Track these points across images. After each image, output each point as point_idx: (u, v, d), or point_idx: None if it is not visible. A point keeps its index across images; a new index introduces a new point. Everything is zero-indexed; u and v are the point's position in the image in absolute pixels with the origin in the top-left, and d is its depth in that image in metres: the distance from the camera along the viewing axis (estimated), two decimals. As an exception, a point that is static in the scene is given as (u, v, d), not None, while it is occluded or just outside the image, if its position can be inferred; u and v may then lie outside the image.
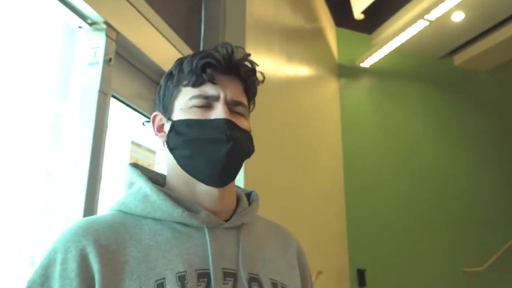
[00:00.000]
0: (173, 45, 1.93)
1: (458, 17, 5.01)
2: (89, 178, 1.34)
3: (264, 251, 0.79)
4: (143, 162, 1.83)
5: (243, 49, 0.80)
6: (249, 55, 0.80)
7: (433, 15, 4.32)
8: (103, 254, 0.65)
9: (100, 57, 1.45)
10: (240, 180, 2.24)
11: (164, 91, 0.82)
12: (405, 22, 4.65)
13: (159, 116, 0.83)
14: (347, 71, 5.27)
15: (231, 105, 0.77)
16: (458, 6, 4.51)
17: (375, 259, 4.64)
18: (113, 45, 1.51)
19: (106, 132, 1.48)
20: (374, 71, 5.41)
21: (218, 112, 0.74)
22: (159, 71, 1.86)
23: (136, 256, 0.66)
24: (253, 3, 2.79)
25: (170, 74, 0.82)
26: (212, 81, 0.75)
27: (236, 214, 0.79)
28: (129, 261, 0.65)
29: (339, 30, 5.43)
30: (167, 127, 0.79)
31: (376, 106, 5.31)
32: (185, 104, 0.76)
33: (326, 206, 4.17)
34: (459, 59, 5.87)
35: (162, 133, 0.81)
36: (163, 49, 1.85)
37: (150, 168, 1.80)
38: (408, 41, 4.81)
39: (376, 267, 4.59)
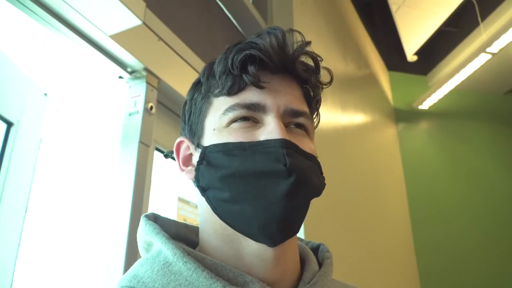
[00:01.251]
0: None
1: (522, 48, 4.66)
2: (128, 242, 1.17)
3: None
4: (193, 221, 1.65)
5: (300, 33, 0.53)
6: (310, 42, 0.54)
7: (496, 47, 4.02)
8: None
9: (140, 106, 1.34)
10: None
11: (190, 107, 0.58)
12: (464, 59, 4.37)
13: (185, 143, 0.58)
14: (404, 115, 5.01)
15: (288, 117, 0.53)
16: (521, 37, 4.19)
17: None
18: (155, 93, 1.40)
19: (149, 187, 1.34)
20: (433, 113, 5.10)
21: (270, 129, 0.50)
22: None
23: None
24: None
25: (198, 83, 0.58)
26: (258, 84, 0.51)
27: (303, 283, 0.54)
28: None
29: (392, 73, 5.25)
30: (196, 157, 0.55)
31: (439, 148, 4.96)
32: (219, 121, 0.52)
33: (395, 261, 3.77)
34: (527, 93, 5.44)
35: (190, 167, 0.57)
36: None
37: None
38: (468, 78, 4.49)
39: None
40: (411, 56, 5.04)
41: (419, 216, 4.48)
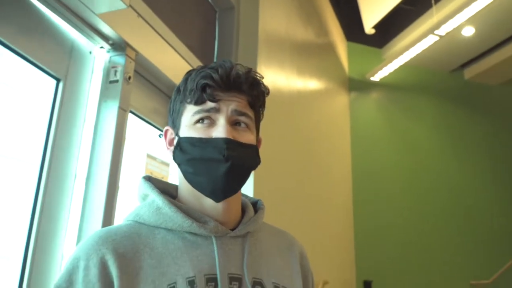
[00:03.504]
0: (188, 62, 2.03)
1: (469, 31, 5.07)
2: (108, 189, 1.43)
3: (268, 256, 0.86)
4: (158, 174, 1.92)
5: (243, 66, 0.82)
6: (251, 70, 0.82)
7: (443, 30, 4.37)
8: (121, 261, 0.71)
9: (120, 76, 1.55)
10: (249, 189, 2.32)
11: (173, 106, 0.85)
12: (415, 37, 4.72)
13: (170, 130, 0.86)
14: (357, 85, 5.35)
15: (235, 116, 0.79)
16: (468, 21, 4.58)
17: (382, 271, 4.67)
18: (132, 64, 1.61)
19: (123, 145, 1.58)
20: (384, 85, 5.48)
21: (220, 129, 0.76)
22: (173, 87, 1.96)
23: (150, 262, 0.73)
24: (266, 19, 2.89)
25: (178, 90, 0.85)
26: (212, 100, 0.77)
27: (242, 224, 0.84)
28: (143, 267, 0.72)
29: (350, 44, 5.52)
30: (175, 141, 0.83)
31: (386, 119, 5.37)
32: (189, 120, 0.79)
33: (335, 218, 4.23)
34: (469, 73, 5.92)
35: (172, 147, 0.84)
36: (178, 66, 1.95)
37: (164, 179, 1.90)
38: (418, 55, 4.87)
39: (383, 278, 4.62)
40: (369, 29, 5.33)
41: (360, 177, 4.94)
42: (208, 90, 0.77)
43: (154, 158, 1.92)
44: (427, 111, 5.64)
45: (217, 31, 2.70)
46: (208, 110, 0.78)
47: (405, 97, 5.58)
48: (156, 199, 0.79)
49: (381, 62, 5.25)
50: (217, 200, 0.78)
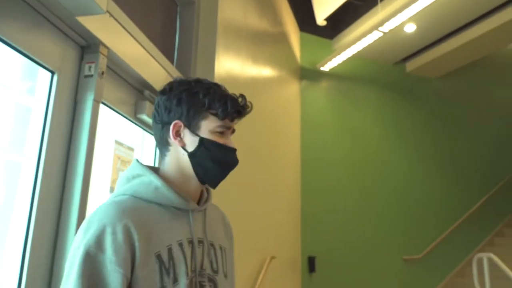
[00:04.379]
0: (151, 55, 2.22)
1: (410, 28, 5.48)
2: (85, 172, 1.62)
3: (215, 225, 1.17)
4: (124, 158, 2.12)
5: (245, 98, 1.11)
6: (251, 104, 1.12)
7: (387, 27, 4.75)
8: (138, 228, 0.91)
9: (94, 71, 1.73)
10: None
11: (189, 108, 1.02)
12: (362, 32, 5.07)
13: (180, 124, 1.03)
14: (308, 74, 5.65)
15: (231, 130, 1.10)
16: (410, 19, 4.98)
17: (325, 248, 5.10)
18: (105, 60, 1.79)
19: (96, 134, 1.77)
20: (333, 75, 5.83)
21: (229, 142, 1.06)
22: (140, 79, 2.14)
23: (155, 229, 0.96)
24: (224, 10, 3.08)
25: (196, 94, 1.03)
26: (232, 122, 1.06)
27: (203, 202, 1.12)
28: (152, 233, 0.94)
29: (303, 34, 5.79)
30: (188, 137, 1.03)
31: (334, 108, 5.74)
32: (213, 128, 1.02)
33: (283, 200, 4.55)
34: (411, 66, 6.40)
35: (179, 139, 1.03)
36: (143, 59, 2.14)
37: (130, 163, 2.10)
38: (364, 48, 5.23)
39: (325, 255, 5.06)
40: (321, 21, 5.62)
41: (308, 161, 5.30)
42: (233, 116, 1.04)
43: (121, 144, 2.11)
44: (372, 101, 6.07)
45: (178, 24, 2.88)
46: (228, 127, 1.05)
47: (352, 87, 5.96)
48: (154, 180, 1.00)
49: (332, 53, 5.58)
50: (214, 187, 1.09)
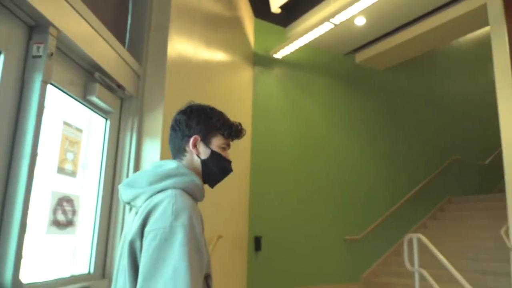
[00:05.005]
0: (101, 36, 2.23)
1: (360, 21, 5.70)
2: (32, 153, 1.66)
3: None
4: (72, 139, 2.15)
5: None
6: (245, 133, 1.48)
7: (338, 19, 4.93)
8: (200, 219, 1.17)
9: (43, 52, 1.75)
10: (156, 155, 2.62)
11: (206, 128, 1.35)
12: (315, 22, 5.23)
13: (198, 138, 1.33)
14: (261, 60, 5.75)
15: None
16: (360, 12, 5.19)
17: (271, 228, 5.31)
18: (55, 42, 1.81)
19: (43, 114, 1.79)
20: (286, 63, 5.97)
21: (228, 155, 1.40)
22: (90, 61, 2.16)
23: (201, 220, 1.18)
24: (178, -7, 3.09)
25: (210, 118, 1.37)
26: (232, 141, 1.42)
27: None
28: (201, 224, 1.18)
29: (257, 21, 5.86)
30: (202, 148, 1.34)
31: (286, 96, 5.90)
32: (221, 144, 1.36)
33: (233, 182, 4.67)
34: (360, 57, 6.66)
35: (195, 149, 1.33)
36: (93, 41, 2.15)
37: (78, 144, 2.14)
38: (316, 38, 5.40)
39: (271, 234, 5.28)
40: (275, 8, 5.72)
41: (258, 146, 5.44)
42: (234, 137, 1.41)
43: (69, 125, 2.14)
44: (323, 90, 6.29)
45: (131, 6, 2.88)
46: (229, 145, 1.40)
47: (304, 76, 6.14)
48: (195, 180, 1.26)
49: (285, 41, 5.70)
50: (212, 187, 1.42)
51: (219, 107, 4.05)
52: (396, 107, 7.15)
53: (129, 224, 1.17)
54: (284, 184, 5.60)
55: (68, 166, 2.12)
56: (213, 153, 1.33)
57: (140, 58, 2.75)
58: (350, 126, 6.46)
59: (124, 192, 1.24)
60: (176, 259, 0.97)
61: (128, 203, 1.24)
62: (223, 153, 1.36)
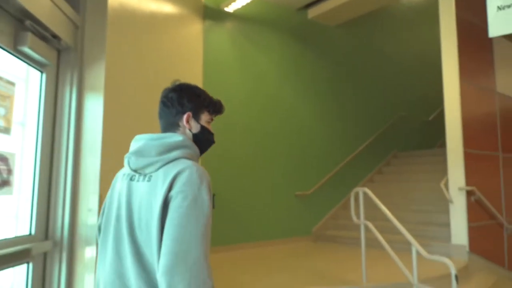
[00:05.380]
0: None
1: (312, -25, 5.58)
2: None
3: None
4: (4, 93, 1.98)
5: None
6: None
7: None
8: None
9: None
10: (99, 114, 2.49)
11: (196, 106, 1.46)
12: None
13: (190, 115, 1.44)
14: (212, 14, 5.53)
15: None
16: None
17: (224, 185, 5.33)
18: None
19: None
20: (238, 17, 5.79)
21: (211, 128, 1.53)
22: (20, 8, 1.97)
23: None
24: None
25: (199, 96, 1.48)
26: (217, 115, 1.55)
27: None
28: None
29: (207, -28, 5.59)
30: (193, 123, 1.45)
31: (238, 50, 5.77)
32: (208, 119, 1.49)
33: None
34: (312, 13, 6.58)
35: (187, 124, 1.44)
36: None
37: (10, 98, 1.99)
38: (268, -9, 5.24)
39: (225, 192, 5.30)
40: (226, -41, 5.47)
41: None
42: (218, 113, 1.54)
43: (0, 78, 1.96)
44: (274, 45, 6.20)
45: None
46: (212, 119, 1.52)
47: (256, 30, 6.00)
48: (197, 151, 1.44)
49: (236, -7, 5.50)
50: (202, 153, 1.49)
51: (166, 61, 3.92)
52: (346, 64, 7.23)
53: (141, 189, 1.28)
54: (236, 141, 5.58)
55: (-1, 123, 1.96)
56: (202, 127, 1.46)
57: (77, 7, 2.55)
58: (302, 82, 6.48)
59: (135, 161, 1.32)
60: (204, 215, 1.19)
61: (135, 170, 1.33)
62: (209, 127, 1.49)
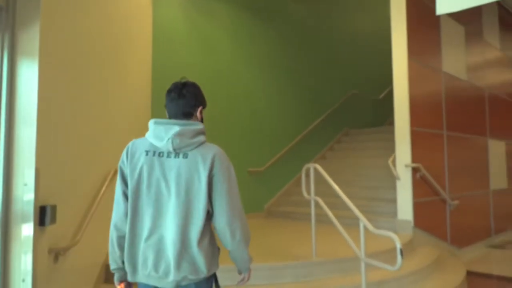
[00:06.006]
0: None
1: None
2: None
3: None
4: None
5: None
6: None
7: None
8: None
9: None
10: (34, 78, 2.30)
11: (203, 102, 1.83)
12: None
13: (201, 108, 1.81)
14: (162, -18, 5.27)
15: None
16: None
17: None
18: None
19: None
20: (190, -14, 5.57)
21: None
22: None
23: None
24: None
25: (203, 96, 1.84)
26: None
27: None
28: None
29: None
30: (199, 115, 1.81)
31: (190, 22, 5.56)
32: (204, 112, 1.96)
33: (129, 110, 4.38)
34: (267, -15, 6.44)
35: (199, 115, 1.80)
36: None
37: None
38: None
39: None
40: None
41: (160, 74, 5.13)
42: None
43: None
44: (227, 18, 6.03)
45: None
46: None
47: (209, 2, 5.80)
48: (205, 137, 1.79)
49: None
50: None
51: (109, 26, 3.68)
52: (301, 40, 7.20)
53: (178, 163, 1.65)
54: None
55: None
56: (202, 119, 1.83)
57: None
58: (256, 57, 6.39)
59: (179, 141, 1.64)
60: (237, 187, 1.72)
61: (174, 149, 1.64)
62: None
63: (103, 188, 3.30)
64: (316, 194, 3.86)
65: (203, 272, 1.62)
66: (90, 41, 3.25)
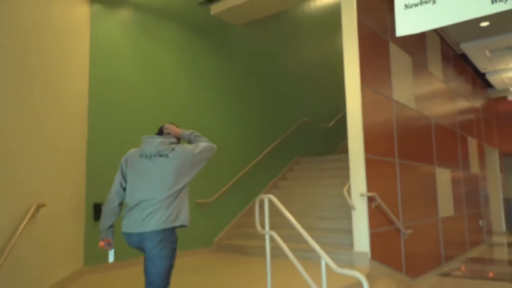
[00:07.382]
0: None
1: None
2: None
3: None
4: None
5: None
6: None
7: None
8: None
9: None
10: None
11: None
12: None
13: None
14: (102, -2, 4.89)
15: None
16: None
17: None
18: None
19: None
20: (133, 4, 5.23)
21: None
22: None
23: None
24: None
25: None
26: None
27: None
28: None
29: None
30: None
31: (132, 42, 5.18)
32: None
33: (60, 136, 3.90)
34: (215, 9, 6.20)
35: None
36: None
37: None
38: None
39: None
40: None
41: (97, 97, 4.68)
42: None
43: None
44: (172, 39, 5.70)
45: None
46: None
47: (152, 21, 5.46)
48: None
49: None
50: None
51: (36, 44, 3.19)
52: (251, 66, 7.01)
53: (163, 160, 2.63)
54: (130, 143, 4.95)
55: None
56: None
57: None
58: (202, 81, 6.08)
59: (159, 148, 2.66)
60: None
61: (157, 153, 2.64)
62: None
63: (21, 227, 2.78)
64: (271, 225, 3.55)
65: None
66: (12, 51, 2.80)
